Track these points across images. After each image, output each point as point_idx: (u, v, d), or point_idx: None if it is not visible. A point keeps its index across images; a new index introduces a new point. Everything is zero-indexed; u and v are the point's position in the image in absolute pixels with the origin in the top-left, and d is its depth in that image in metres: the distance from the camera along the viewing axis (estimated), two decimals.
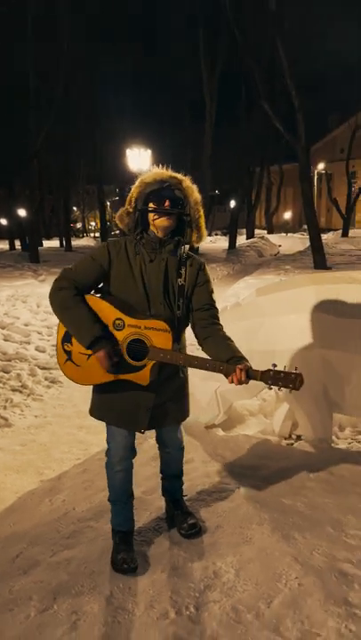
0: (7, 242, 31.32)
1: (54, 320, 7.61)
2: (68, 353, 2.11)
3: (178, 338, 2.06)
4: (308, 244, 23.64)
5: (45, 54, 19.62)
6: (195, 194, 2.11)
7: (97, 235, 56.16)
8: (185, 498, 2.59)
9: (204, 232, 2.15)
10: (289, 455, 3.30)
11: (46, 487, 2.92)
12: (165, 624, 1.88)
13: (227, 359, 1.97)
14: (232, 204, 26.94)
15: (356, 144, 27.80)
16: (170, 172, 2.10)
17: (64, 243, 30.37)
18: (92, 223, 64.85)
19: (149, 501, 2.71)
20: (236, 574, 2.17)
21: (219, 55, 17.30)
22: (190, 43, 18.81)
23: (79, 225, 59.22)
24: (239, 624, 1.87)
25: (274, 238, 29.09)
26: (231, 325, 3.70)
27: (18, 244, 29.22)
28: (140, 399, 2.10)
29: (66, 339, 2.11)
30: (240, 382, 1.88)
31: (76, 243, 34.50)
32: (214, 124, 18.76)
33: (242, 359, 1.97)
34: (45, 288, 11.57)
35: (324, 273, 4.17)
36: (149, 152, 14.30)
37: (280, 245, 26.15)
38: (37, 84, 19.15)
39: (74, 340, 2.09)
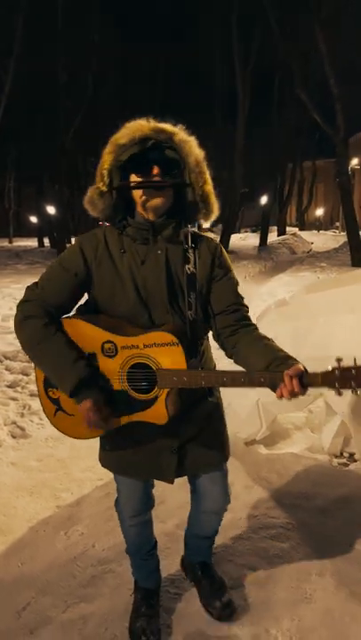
0: (36, 239, 31.43)
1: None
2: (56, 401, 1.54)
3: (194, 350, 1.47)
4: (341, 241, 22.85)
5: (75, 49, 19.42)
6: (194, 150, 1.44)
7: None
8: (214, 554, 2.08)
9: (215, 204, 1.49)
10: (347, 481, 2.80)
11: (63, 515, 2.50)
12: None
13: (267, 365, 1.37)
14: (263, 200, 26.09)
15: None
16: (153, 124, 1.42)
17: None
18: None
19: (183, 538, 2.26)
20: None
21: (253, 45, 16.68)
22: (222, 32, 18.27)
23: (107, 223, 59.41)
24: None
25: (305, 235, 28.36)
26: (277, 327, 3.21)
27: (47, 241, 29.21)
28: (160, 440, 1.54)
29: (49, 383, 1.54)
30: (293, 395, 1.27)
31: None
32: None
33: (288, 359, 1.36)
34: None
35: None
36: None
37: (312, 243, 25.43)
38: (66, 79, 18.94)
39: None
